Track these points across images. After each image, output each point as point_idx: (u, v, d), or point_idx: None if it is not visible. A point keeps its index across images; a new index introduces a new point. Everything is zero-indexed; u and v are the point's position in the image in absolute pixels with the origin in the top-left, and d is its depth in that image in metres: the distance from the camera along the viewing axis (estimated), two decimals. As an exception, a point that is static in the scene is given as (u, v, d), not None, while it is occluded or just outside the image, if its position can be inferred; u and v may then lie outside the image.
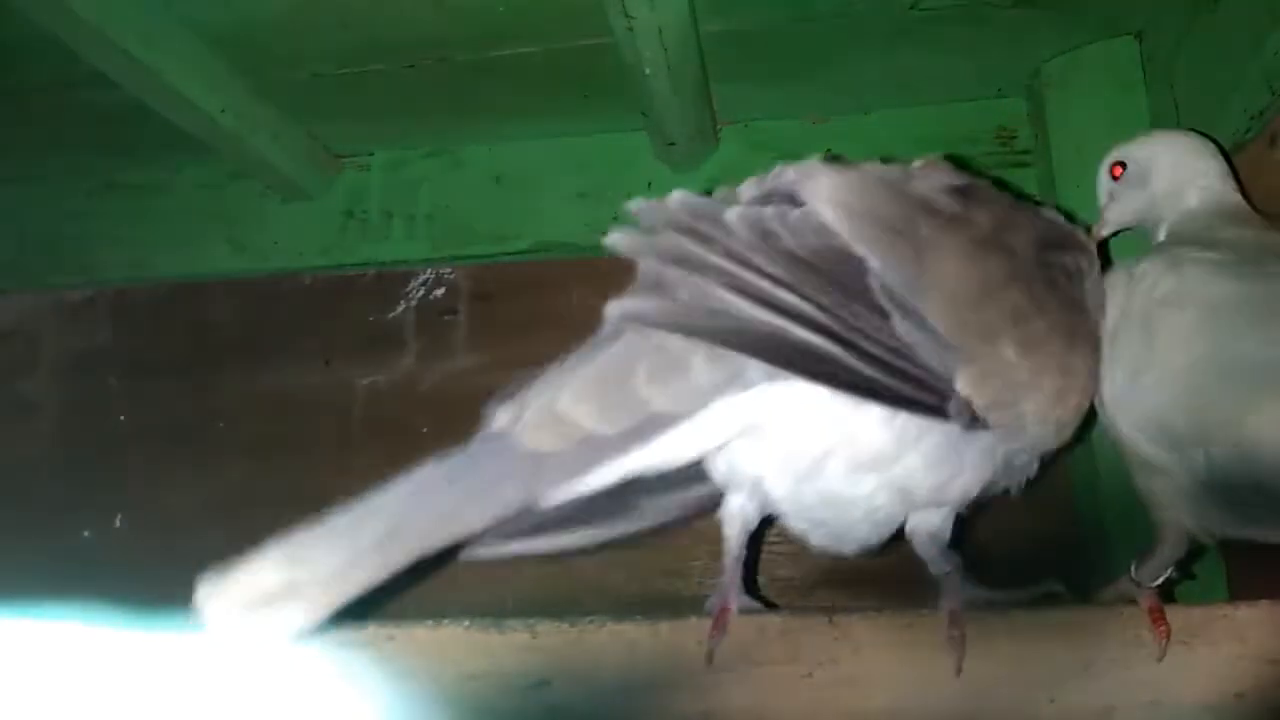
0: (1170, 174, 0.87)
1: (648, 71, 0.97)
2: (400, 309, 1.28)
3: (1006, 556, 1.01)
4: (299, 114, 1.19)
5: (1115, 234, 0.93)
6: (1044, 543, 1.02)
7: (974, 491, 0.74)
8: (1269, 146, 0.87)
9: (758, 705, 0.69)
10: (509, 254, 1.25)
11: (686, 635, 0.71)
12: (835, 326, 0.61)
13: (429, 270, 1.28)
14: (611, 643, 0.71)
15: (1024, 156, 1.15)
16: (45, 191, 1.36)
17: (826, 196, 0.67)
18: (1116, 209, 0.91)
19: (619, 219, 1.21)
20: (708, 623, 0.71)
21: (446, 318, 1.27)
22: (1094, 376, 0.77)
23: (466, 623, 0.73)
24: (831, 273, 0.63)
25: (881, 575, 1.10)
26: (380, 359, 1.26)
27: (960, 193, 0.75)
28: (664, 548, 1.14)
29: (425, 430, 1.22)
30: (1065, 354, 0.73)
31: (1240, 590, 0.93)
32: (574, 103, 1.17)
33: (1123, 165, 0.91)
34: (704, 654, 0.69)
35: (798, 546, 1.11)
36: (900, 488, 0.71)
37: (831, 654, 0.69)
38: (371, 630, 0.75)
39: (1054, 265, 0.76)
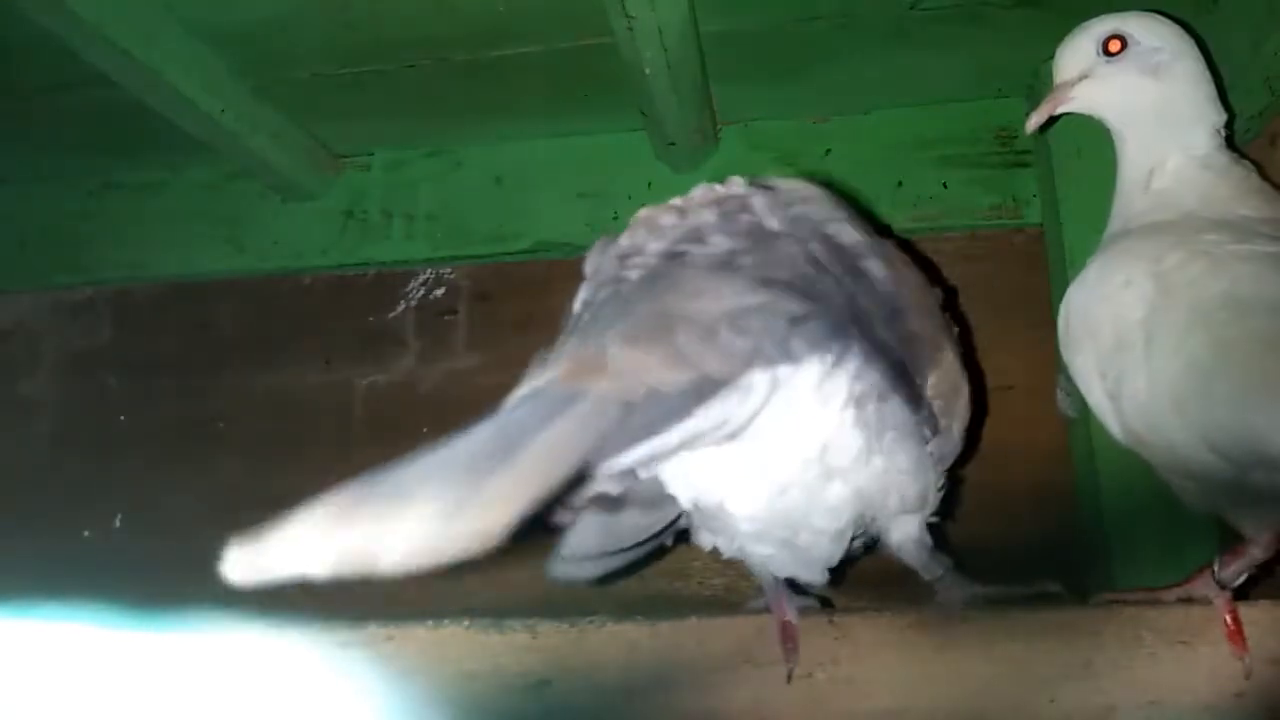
0: (1193, 84, 0.78)
1: (648, 71, 0.97)
2: (400, 309, 1.28)
3: (1007, 556, 1.01)
4: (299, 114, 1.19)
5: (1058, 117, 0.85)
6: (1044, 543, 1.02)
7: (932, 496, 0.76)
8: (1269, 146, 0.87)
9: (758, 705, 0.69)
10: (509, 254, 1.25)
11: (686, 635, 0.71)
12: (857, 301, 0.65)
13: (429, 270, 1.28)
14: (611, 643, 0.71)
15: (1024, 156, 1.15)
16: (45, 191, 1.36)
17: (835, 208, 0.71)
18: (1096, 89, 0.81)
19: (619, 219, 1.23)
20: (708, 623, 0.71)
21: (446, 318, 1.27)
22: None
23: (466, 623, 0.73)
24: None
25: (881, 575, 1.10)
26: (380, 359, 1.26)
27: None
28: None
29: (425, 430, 1.22)
30: (961, 364, 0.79)
31: (1240, 590, 0.93)
32: (574, 103, 1.17)
33: (1123, 41, 0.79)
34: (785, 676, 0.69)
35: (798, 546, 1.12)
36: (863, 493, 0.71)
37: (831, 654, 0.69)
38: (371, 630, 0.75)
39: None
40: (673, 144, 1.15)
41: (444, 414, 1.22)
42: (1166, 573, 0.87)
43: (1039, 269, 1.11)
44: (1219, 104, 0.80)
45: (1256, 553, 0.72)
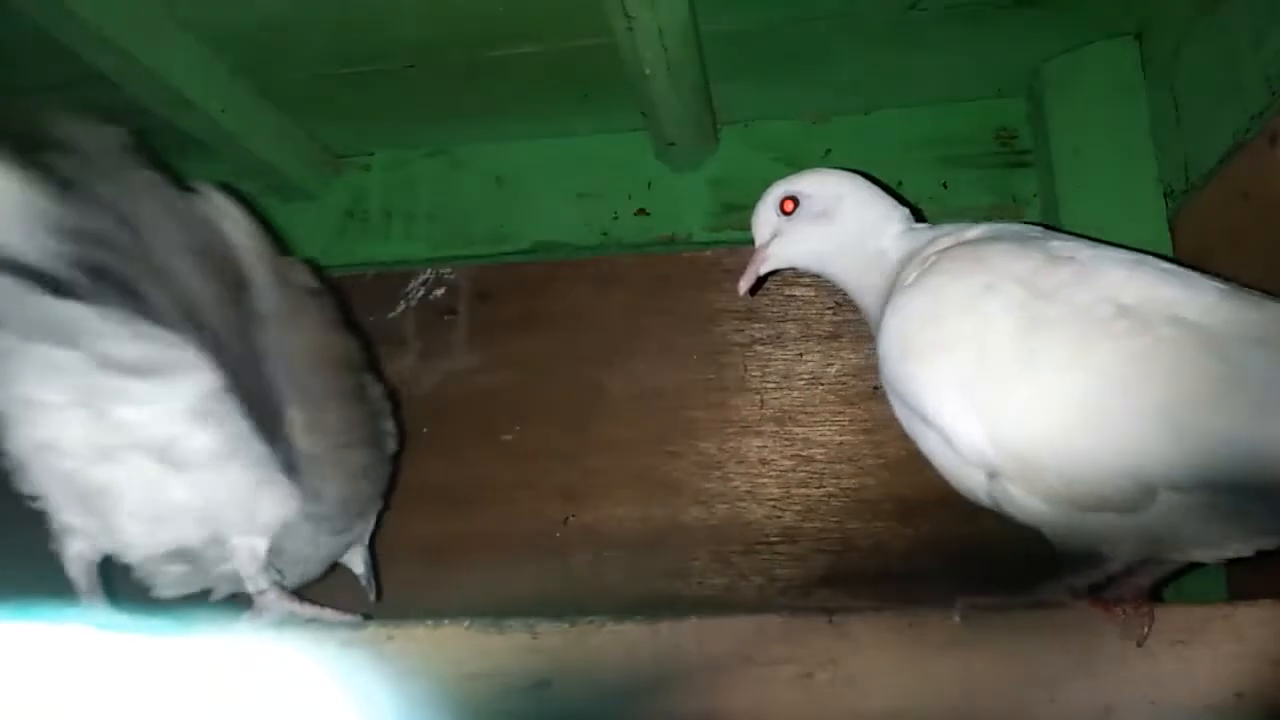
0: (862, 210, 0.88)
1: (648, 71, 0.97)
2: (400, 309, 1.28)
3: (1009, 556, 1.01)
4: (299, 114, 1.19)
5: (771, 274, 0.94)
6: (1044, 542, 1.02)
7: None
8: (1269, 146, 0.87)
9: (758, 705, 0.69)
10: (509, 254, 1.25)
11: (686, 635, 0.71)
12: None
13: (429, 270, 1.28)
14: (611, 643, 0.71)
15: (1024, 156, 1.15)
16: (45, 191, 1.36)
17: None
18: (784, 245, 0.90)
19: (619, 219, 1.23)
20: (708, 623, 0.71)
21: (446, 318, 1.27)
22: (380, 494, 1.01)
23: (466, 623, 0.73)
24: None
25: (881, 575, 1.10)
26: (380, 359, 1.26)
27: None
28: (664, 548, 1.14)
29: (425, 430, 1.22)
30: (364, 460, 0.93)
31: (1240, 590, 0.93)
32: (574, 103, 1.17)
33: (794, 200, 0.89)
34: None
35: (798, 547, 1.12)
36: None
37: (831, 654, 0.69)
38: (371, 630, 0.75)
39: (361, 382, 0.97)
40: (673, 144, 1.15)
41: (444, 414, 1.22)
42: (1167, 574, 0.87)
43: (1039, 269, 1.10)
44: (896, 205, 0.89)
45: (1113, 567, 0.71)
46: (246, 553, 0.83)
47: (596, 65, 1.06)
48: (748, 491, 1.14)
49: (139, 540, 0.81)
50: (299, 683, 0.72)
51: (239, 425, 0.76)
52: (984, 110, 1.17)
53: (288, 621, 0.84)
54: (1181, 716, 0.67)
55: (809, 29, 1.02)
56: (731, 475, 1.15)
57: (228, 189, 0.83)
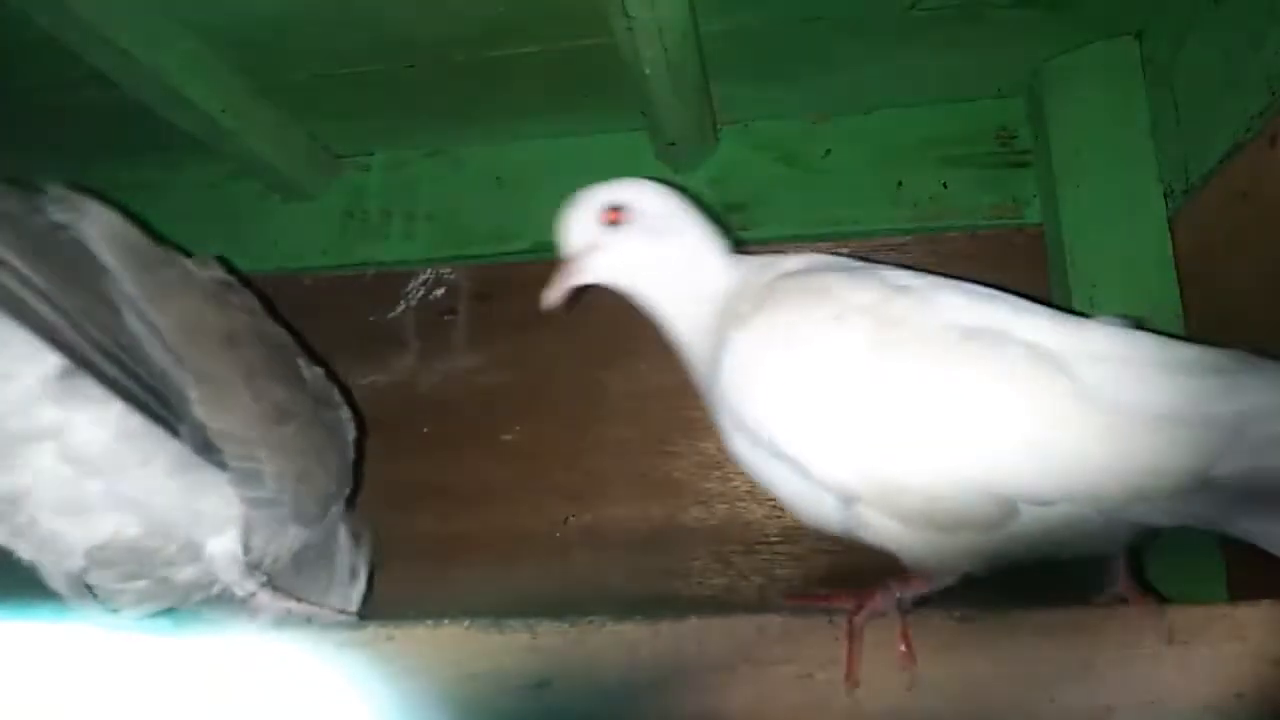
0: (691, 229, 0.83)
1: (648, 71, 0.97)
2: (400, 309, 1.28)
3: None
4: (299, 114, 1.19)
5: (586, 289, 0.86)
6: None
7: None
8: (1269, 146, 0.87)
9: (758, 705, 0.69)
10: (509, 254, 1.25)
11: (686, 635, 0.71)
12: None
13: (429, 270, 1.28)
14: (611, 643, 0.71)
15: (1024, 156, 1.15)
16: (45, 191, 1.36)
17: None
18: (609, 258, 0.83)
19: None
20: (708, 623, 0.72)
21: (446, 318, 1.27)
22: (341, 478, 0.97)
23: (466, 623, 0.73)
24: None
25: (881, 575, 1.10)
26: (380, 359, 1.26)
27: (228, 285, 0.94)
28: (664, 548, 1.14)
29: (425, 430, 1.22)
30: (306, 440, 0.90)
31: (1240, 590, 0.93)
32: (574, 103, 1.17)
33: (620, 211, 0.82)
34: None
35: (799, 547, 1.12)
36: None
37: (831, 654, 0.69)
38: (371, 630, 0.75)
39: (291, 365, 0.96)
40: (673, 144, 1.15)
41: (444, 414, 1.22)
42: (1167, 575, 0.87)
43: (1039, 269, 1.11)
44: (716, 231, 0.84)
45: (936, 585, 0.72)
46: (225, 559, 0.81)
47: (596, 65, 1.05)
48: (748, 491, 1.14)
49: (71, 538, 0.78)
50: (299, 683, 0.72)
51: (121, 407, 0.74)
52: (984, 110, 1.17)
53: (285, 621, 0.83)
54: (1181, 716, 0.67)
55: (809, 29, 1.02)
56: (731, 475, 1.15)
57: (85, 188, 0.83)
